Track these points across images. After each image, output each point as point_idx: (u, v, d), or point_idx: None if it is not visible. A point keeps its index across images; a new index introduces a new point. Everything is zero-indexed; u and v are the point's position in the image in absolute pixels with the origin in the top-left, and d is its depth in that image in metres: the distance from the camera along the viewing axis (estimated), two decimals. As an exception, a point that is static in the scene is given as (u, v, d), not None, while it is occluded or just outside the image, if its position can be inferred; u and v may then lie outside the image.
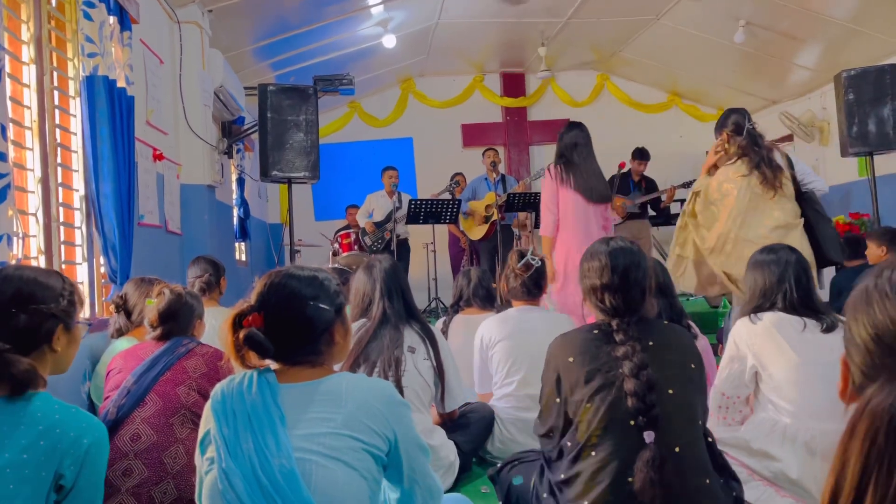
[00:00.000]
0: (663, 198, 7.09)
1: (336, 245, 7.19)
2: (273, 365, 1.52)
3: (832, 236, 3.80)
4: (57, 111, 3.26)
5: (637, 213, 7.08)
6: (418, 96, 9.18)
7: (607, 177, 7.01)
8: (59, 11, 3.34)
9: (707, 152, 4.21)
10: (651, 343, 1.90)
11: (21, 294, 1.54)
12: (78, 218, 3.40)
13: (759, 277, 2.58)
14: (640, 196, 7.05)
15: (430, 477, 1.58)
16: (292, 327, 1.49)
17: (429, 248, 7.24)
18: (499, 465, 2.52)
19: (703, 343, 2.85)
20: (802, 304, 2.49)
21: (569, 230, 4.34)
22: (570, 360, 1.91)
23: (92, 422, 1.53)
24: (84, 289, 3.40)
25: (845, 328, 0.84)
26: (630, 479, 1.78)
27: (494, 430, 3.20)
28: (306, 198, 8.71)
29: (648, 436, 1.78)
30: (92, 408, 2.96)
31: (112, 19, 3.47)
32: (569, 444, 1.92)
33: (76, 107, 3.40)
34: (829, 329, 2.39)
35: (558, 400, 1.93)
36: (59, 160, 3.23)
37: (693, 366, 1.93)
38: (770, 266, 2.56)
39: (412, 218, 6.53)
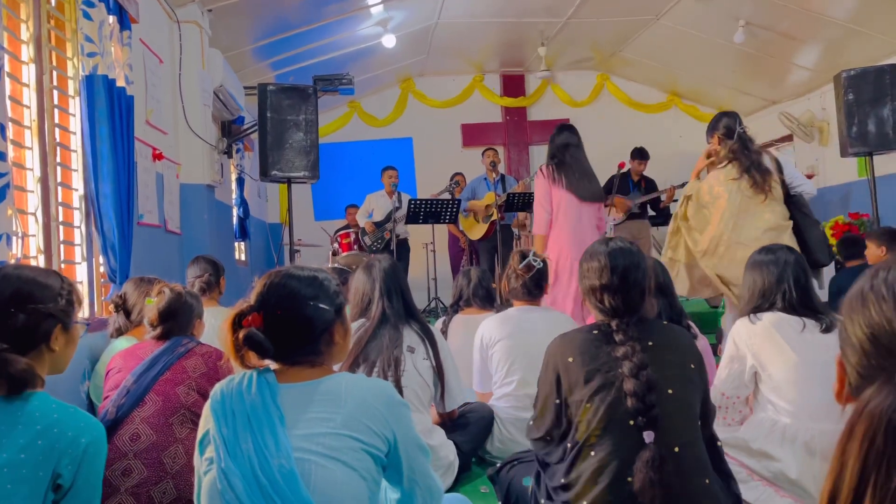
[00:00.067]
0: (663, 198, 7.09)
1: (336, 245, 7.19)
2: (272, 365, 1.52)
3: (820, 239, 3.85)
4: (56, 110, 3.26)
5: (637, 212, 7.09)
6: (418, 96, 9.17)
7: (607, 177, 7.08)
8: (58, 11, 3.34)
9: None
10: (650, 343, 1.90)
11: (20, 294, 1.54)
12: (77, 217, 3.40)
13: (758, 278, 2.58)
14: (640, 196, 7.05)
15: (430, 477, 1.57)
16: (292, 327, 1.49)
17: (428, 247, 7.24)
18: (498, 464, 2.52)
19: (702, 343, 2.85)
20: (802, 304, 2.49)
21: (561, 229, 4.40)
22: (570, 360, 1.91)
23: (90, 421, 1.53)
24: (83, 288, 3.40)
25: (840, 329, 0.83)
26: (630, 479, 1.78)
27: (494, 430, 3.20)
28: (306, 197, 8.70)
29: (648, 436, 1.78)
30: (91, 407, 2.96)
31: (111, 19, 3.47)
32: (568, 445, 1.92)
33: (75, 106, 3.40)
34: (828, 329, 2.40)
35: (558, 401, 1.93)
36: (58, 159, 3.23)
37: (693, 366, 1.93)
38: (769, 266, 2.56)
39: (412, 218, 6.53)
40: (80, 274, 3.41)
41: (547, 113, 9.31)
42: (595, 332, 1.96)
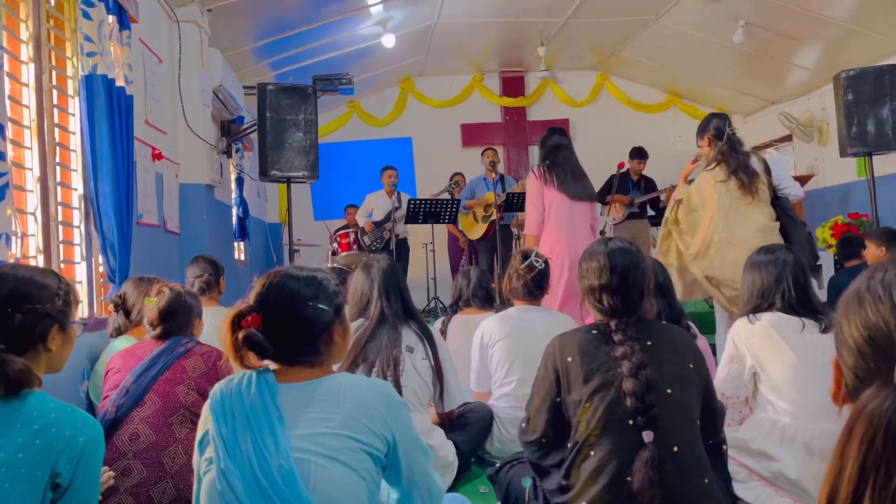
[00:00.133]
0: (662, 197, 7.09)
1: (335, 245, 7.19)
2: (272, 365, 1.52)
3: (804, 240, 3.89)
4: (56, 110, 3.26)
5: (636, 212, 7.09)
6: (417, 96, 9.17)
7: (606, 177, 7.08)
8: (57, 10, 3.33)
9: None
10: (649, 343, 1.90)
11: (16, 293, 1.54)
12: (77, 217, 3.39)
13: (757, 278, 2.58)
14: (640, 195, 7.05)
15: (430, 479, 1.57)
16: (291, 328, 1.49)
17: (428, 247, 7.24)
18: (497, 464, 2.52)
19: (702, 343, 2.85)
20: (801, 304, 2.49)
21: (553, 228, 4.45)
22: (569, 359, 1.91)
23: (88, 420, 1.53)
24: (83, 288, 3.40)
25: (836, 330, 0.83)
26: (629, 479, 1.78)
27: (493, 430, 3.20)
28: (305, 197, 8.70)
29: (647, 435, 1.78)
30: (90, 407, 2.95)
31: (111, 18, 3.47)
32: (568, 445, 1.92)
33: (75, 106, 3.39)
34: (827, 329, 2.40)
35: (558, 399, 1.93)
36: (57, 159, 3.23)
37: (691, 365, 1.93)
38: (768, 266, 2.56)
39: (411, 218, 6.53)
40: (80, 274, 3.40)
41: (546, 113, 9.31)
42: (594, 331, 1.96)
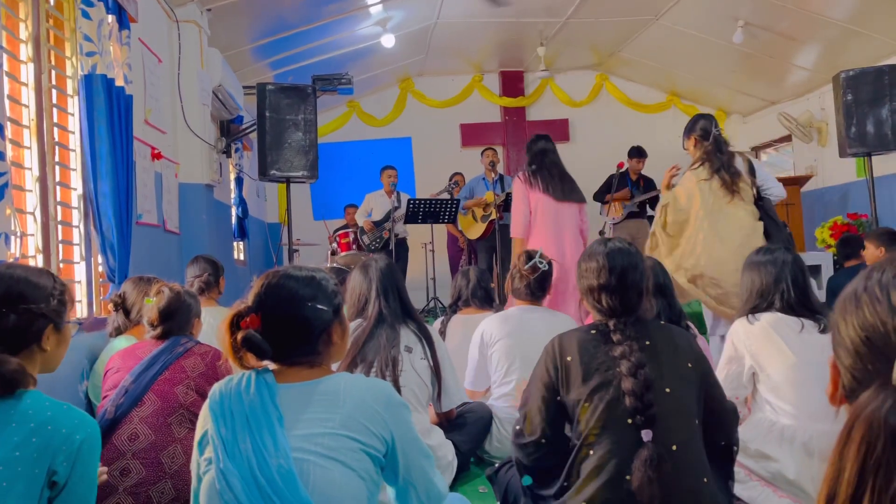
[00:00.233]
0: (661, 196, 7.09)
1: (334, 244, 7.19)
2: (271, 365, 1.52)
3: (784, 241, 3.92)
4: (55, 110, 3.26)
5: (636, 211, 7.10)
6: (417, 96, 9.17)
7: (605, 176, 7.09)
8: (57, 10, 3.33)
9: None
10: (648, 343, 1.90)
11: (11, 293, 1.54)
12: (76, 217, 3.39)
13: (756, 278, 2.58)
14: (639, 195, 7.06)
15: (429, 481, 1.55)
16: (290, 328, 1.49)
17: (427, 247, 7.24)
18: (497, 464, 2.52)
19: (701, 343, 2.85)
20: (800, 304, 2.49)
21: (539, 230, 4.51)
22: (568, 358, 1.92)
23: (84, 418, 1.53)
24: (82, 288, 3.40)
25: (833, 330, 0.82)
26: (627, 478, 1.78)
27: (492, 430, 3.20)
28: (305, 197, 8.70)
29: (646, 434, 1.78)
30: (90, 407, 2.95)
31: (110, 18, 3.47)
32: (567, 445, 1.91)
33: (74, 105, 3.39)
34: (826, 329, 2.40)
35: (559, 398, 1.93)
36: (57, 159, 3.23)
37: (690, 364, 1.93)
38: (767, 266, 2.56)
39: (411, 217, 6.53)
40: (79, 273, 3.40)
41: (546, 113, 9.32)
42: (593, 331, 1.96)
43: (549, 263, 3.36)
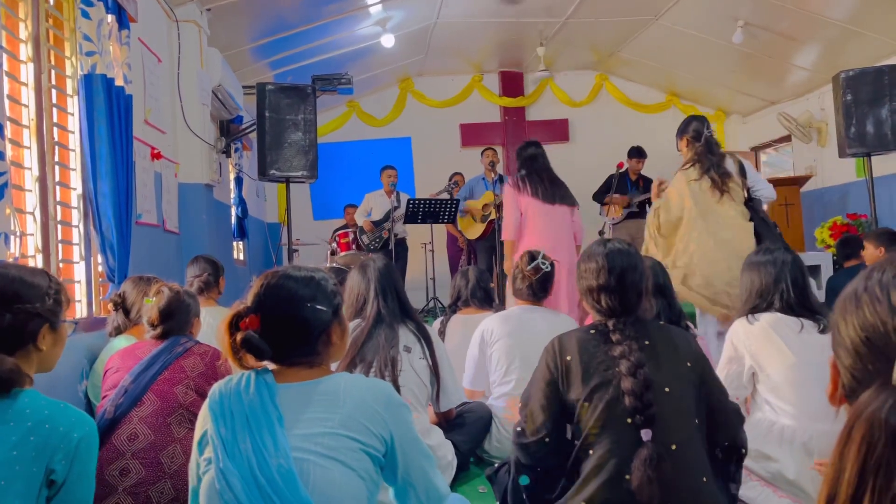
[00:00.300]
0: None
1: (334, 244, 7.19)
2: (270, 365, 1.52)
3: (773, 241, 3.95)
4: (55, 109, 3.26)
5: (635, 211, 7.10)
6: (417, 96, 9.17)
7: (605, 176, 7.09)
8: (57, 10, 3.33)
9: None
10: (647, 342, 1.90)
11: (6, 293, 1.54)
12: (76, 216, 3.39)
13: (756, 278, 2.58)
14: (638, 195, 7.06)
15: (430, 482, 1.55)
16: (289, 328, 1.49)
17: (427, 247, 7.24)
18: (496, 464, 2.52)
19: (701, 343, 2.86)
20: (799, 304, 2.49)
21: (530, 233, 4.59)
22: (568, 358, 1.92)
23: (81, 416, 1.53)
24: (81, 287, 3.40)
25: (833, 330, 0.82)
26: (627, 477, 1.78)
27: (492, 430, 3.20)
28: (304, 197, 8.70)
29: (646, 434, 1.79)
30: (89, 407, 2.95)
31: (110, 18, 3.47)
32: (569, 444, 1.91)
33: (74, 105, 3.39)
34: (826, 329, 2.40)
35: (561, 395, 1.93)
36: (56, 159, 3.23)
37: (689, 364, 1.93)
38: (766, 266, 2.56)
39: (410, 217, 6.52)
40: (79, 273, 3.40)
41: (546, 113, 9.31)
42: (592, 331, 1.97)
43: (552, 264, 3.37)
